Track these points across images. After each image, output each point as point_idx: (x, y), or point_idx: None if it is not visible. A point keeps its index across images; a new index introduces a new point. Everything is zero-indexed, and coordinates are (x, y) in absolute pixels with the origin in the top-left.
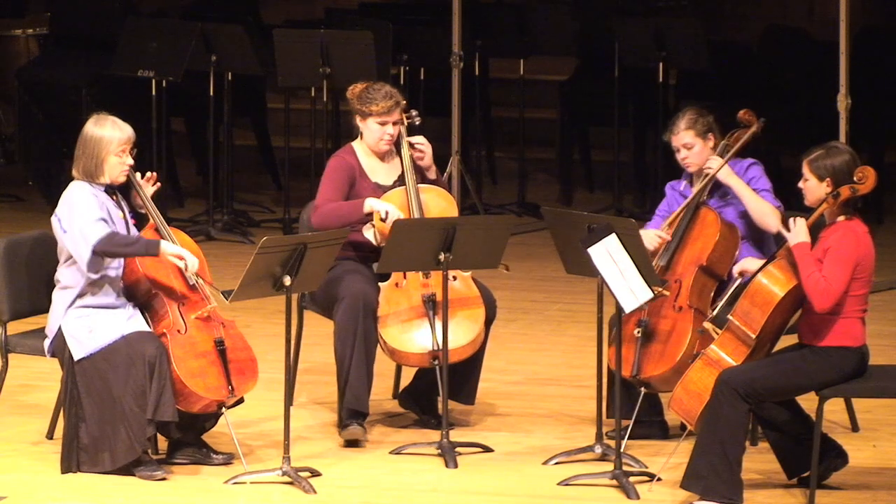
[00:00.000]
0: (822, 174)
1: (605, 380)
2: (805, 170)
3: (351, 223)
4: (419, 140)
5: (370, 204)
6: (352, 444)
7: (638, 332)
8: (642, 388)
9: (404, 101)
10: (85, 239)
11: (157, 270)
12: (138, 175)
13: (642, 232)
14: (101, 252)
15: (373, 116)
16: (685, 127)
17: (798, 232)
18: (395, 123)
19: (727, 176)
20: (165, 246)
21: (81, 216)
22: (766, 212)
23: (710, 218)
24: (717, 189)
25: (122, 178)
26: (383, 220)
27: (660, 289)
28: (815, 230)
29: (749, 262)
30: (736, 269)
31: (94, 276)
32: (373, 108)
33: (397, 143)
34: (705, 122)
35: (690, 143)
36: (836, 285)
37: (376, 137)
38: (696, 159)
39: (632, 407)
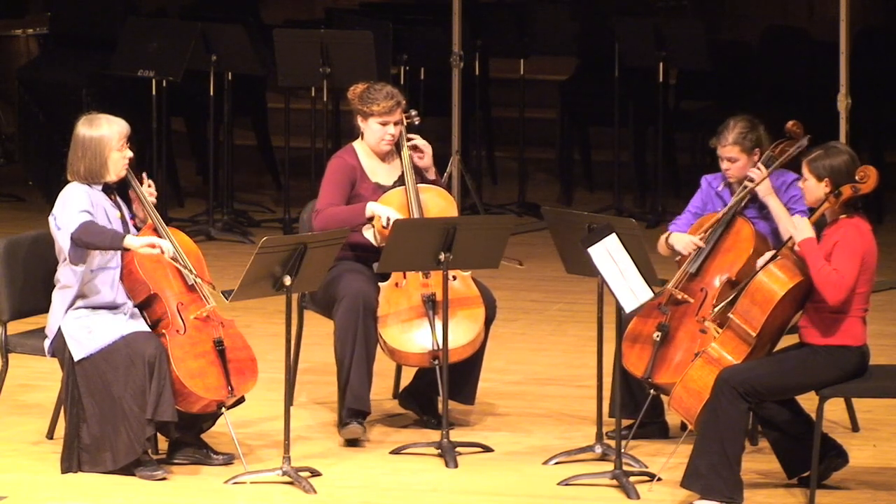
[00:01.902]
0: (821, 174)
1: (605, 380)
2: (805, 170)
3: (353, 227)
4: (419, 140)
5: (372, 208)
6: (352, 443)
7: (657, 336)
8: (651, 391)
9: (405, 102)
10: (68, 230)
11: (156, 270)
12: (147, 185)
13: (678, 235)
14: (78, 240)
15: (374, 117)
16: (733, 141)
17: (802, 229)
18: (396, 124)
19: (766, 195)
20: (131, 240)
21: (69, 210)
22: None
23: (746, 232)
24: (756, 199)
25: (124, 172)
26: (385, 227)
27: (683, 294)
28: (816, 229)
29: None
30: (759, 265)
31: (79, 269)
32: (374, 109)
33: (398, 144)
34: (754, 137)
35: (735, 158)
36: (848, 276)
37: (377, 138)
38: (737, 172)
39: (634, 407)
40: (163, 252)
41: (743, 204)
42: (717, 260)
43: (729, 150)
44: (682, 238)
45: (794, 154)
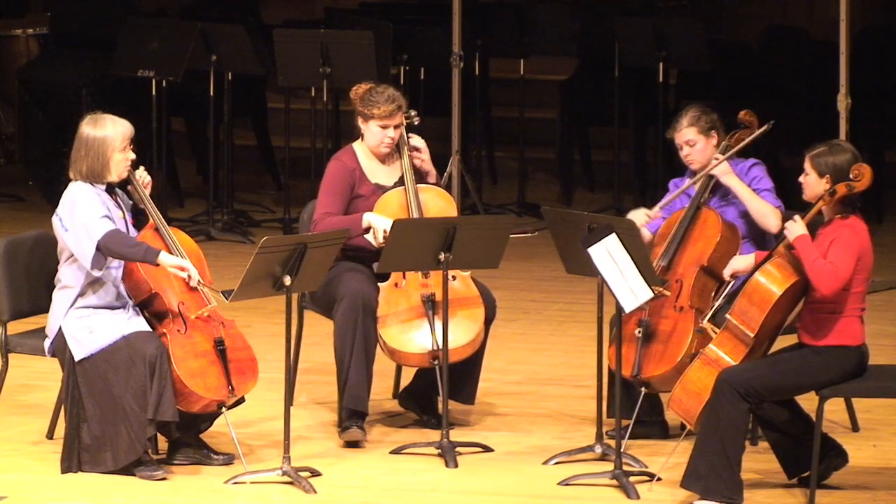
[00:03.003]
0: (823, 171)
1: (605, 380)
2: (807, 164)
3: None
4: (417, 142)
5: (368, 219)
6: (352, 444)
7: (639, 332)
8: (643, 388)
9: (406, 105)
10: (89, 235)
11: (157, 270)
12: (140, 171)
13: (633, 212)
14: (105, 248)
15: (374, 119)
16: (688, 124)
17: (797, 227)
18: (396, 127)
19: (727, 176)
20: (165, 257)
21: (85, 213)
22: (765, 212)
23: (712, 219)
24: (719, 189)
25: (126, 174)
26: (382, 242)
27: (660, 289)
28: (812, 227)
29: (738, 262)
30: (727, 274)
31: (97, 274)
32: (374, 112)
33: (398, 145)
34: (708, 120)
35: (693, 141)
36: (843, 268)
37: (377, 140)
38: (698, 157)
39: (632, 407)
40: (190, 278)
41: (706, 195)
42: (688, 250)
43: (685, 133)
44: (634, 213)
45: (752, 141)
